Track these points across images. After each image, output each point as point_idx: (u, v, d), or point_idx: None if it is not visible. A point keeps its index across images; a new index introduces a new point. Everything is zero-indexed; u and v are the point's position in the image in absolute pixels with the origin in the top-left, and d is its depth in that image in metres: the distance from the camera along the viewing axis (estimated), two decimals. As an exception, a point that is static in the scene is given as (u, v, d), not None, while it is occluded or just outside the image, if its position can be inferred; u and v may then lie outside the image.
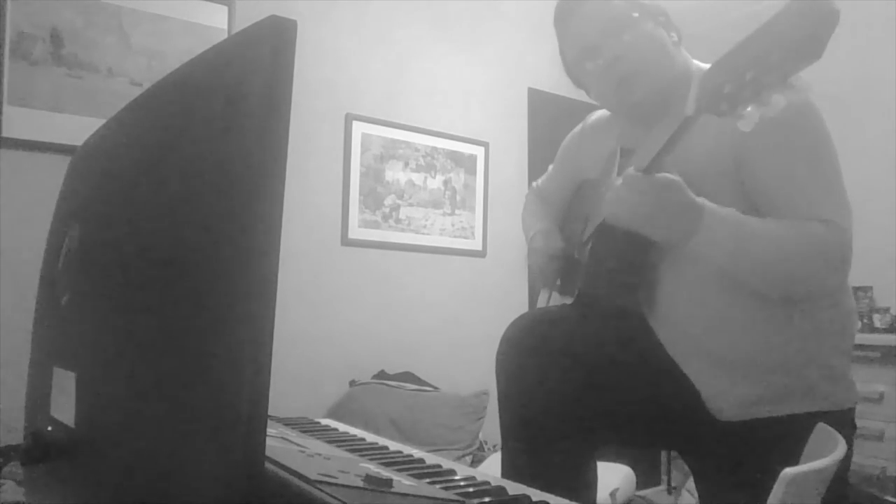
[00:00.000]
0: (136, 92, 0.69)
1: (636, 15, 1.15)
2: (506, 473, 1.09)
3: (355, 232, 3.00)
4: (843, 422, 1.00)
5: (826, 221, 1.01)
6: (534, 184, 1.64)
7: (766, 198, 1.06)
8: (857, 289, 2.99)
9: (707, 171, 1.09)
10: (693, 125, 0.87)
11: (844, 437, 0.86)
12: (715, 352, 1.11)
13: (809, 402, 1.08)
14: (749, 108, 0.74)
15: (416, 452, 0.82)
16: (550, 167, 1.60)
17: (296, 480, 0.59)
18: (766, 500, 0.68)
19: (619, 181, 0.99)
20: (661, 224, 0.98)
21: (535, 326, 1.17)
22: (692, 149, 1.11)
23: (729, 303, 1.10)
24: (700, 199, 0.98)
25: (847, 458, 1.05)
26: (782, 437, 1.05)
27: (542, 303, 1.51)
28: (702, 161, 1.09)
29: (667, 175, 0.96)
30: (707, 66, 1.18)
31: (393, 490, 0.60)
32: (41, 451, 0.65)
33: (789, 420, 1.07)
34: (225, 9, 2.67)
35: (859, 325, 2.97)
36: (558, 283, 1.39)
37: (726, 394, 1.11)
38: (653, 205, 0.96)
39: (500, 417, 1.17)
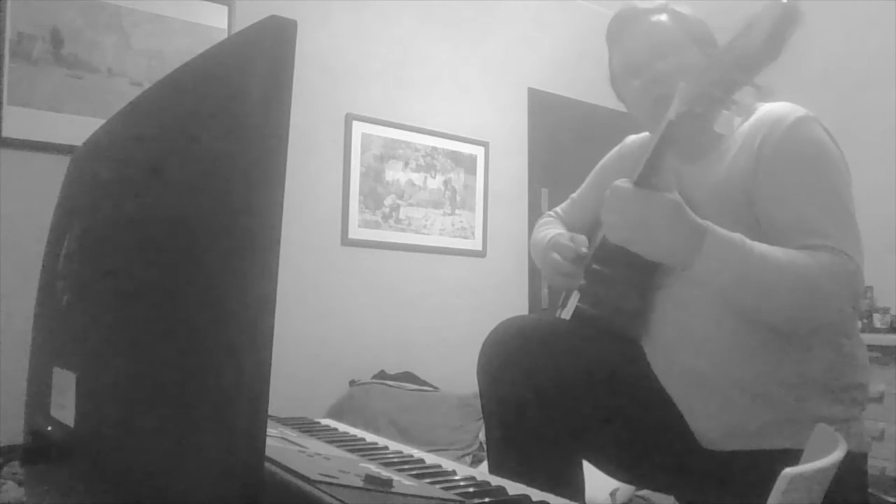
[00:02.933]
0: (136, 92, 0.69)
1: (681, 40, 1.18)
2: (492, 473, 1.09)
3: (355, 232, 3.01)
4: (848, 467, 0.98)
5: (837, 252, 0.99)
6: (550, 212, 1.62)
7: (776, 228, 1.05)
8: (857, 289, 2.99)
9: (717, 202, 1.09)
10: (677, 131, 0.89)
11: (852, 482, 0.83)
12: (703, 377, 1.10)
13: (793, 439, 1.04)
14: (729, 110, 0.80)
15: (416, 452, 0.82)
16: (573, 195, 1.57)
17: (296, 480, 0.59)
18: (765, 501, 0.68)
19: (612, 189, 1.00)
20: (659, 242, 0.97)
21: (520, 332, 1.17)
22: (702, 180, 1.12)
23: (712, 332, 1.09)
24: (704, 221, 0.97)
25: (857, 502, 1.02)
26: (764, 472, 1.02)
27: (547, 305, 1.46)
28: (711, 192, 1.11)
29: (662, 193, 0.95)
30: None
31: (393, 490, 0.60)
32: (41, 451, 0.66)
33: (778, 456, 1.04)
34: (225, 9, 2.67)
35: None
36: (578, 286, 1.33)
37: (712, 420, 1.10)
38: (645, 217, 0.95)
39: (485, 423, 1.17)
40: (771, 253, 0.99)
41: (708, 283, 1.00)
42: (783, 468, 0.94)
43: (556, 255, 1.28)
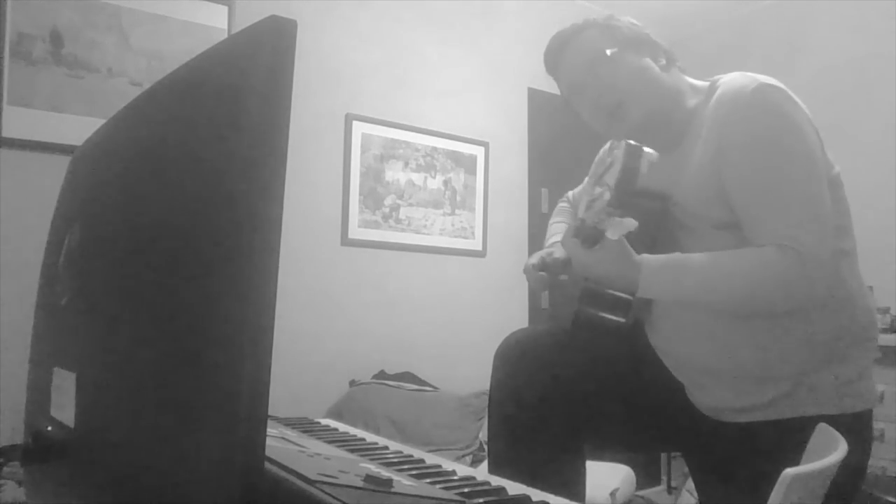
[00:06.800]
0: (136, 92, 0.69)
1: (615, 49, 1.21)
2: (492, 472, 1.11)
3: (355, 232, 3.00)
4: (851, 426, 0.99)
5: (784, 244, 1.02)
6: (565, 198, 1.66)
7: (741, 218, 1.08)
8: (857, 289, 2.99)
9: (696, 194, 1.12)
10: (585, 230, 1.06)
11: (853, 441, 0.85)
12: (706, 365, 1.14)
13: (806, 407, 1.08)
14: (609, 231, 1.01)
15: (416, 452, 0.82)
16: (586, 179, 1.61)
17: (296, 480, 0.59)
18: (765, 501, 0.68)
19: (565, 241, 1.16)
20: (607, 282, 1.13)
21: (528, 337, 1.22)
22: (679, 172, 1.15)
23: (716, 319, 1.13)
24: (639, 257, 1.09)
25: (858, 462, 1.04)
26: (780, 439, 1.05)
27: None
28: (690, 185, 1.13)
29: (602, 247, 1.08)
30: (698, 82, 1.23)
31: (393, 490, 0.60)
32: (41, 451, 0.65)
33: (787, 423, 1.08)
34: (225, 9, 2.67)
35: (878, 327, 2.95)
36: (545, 295, 1.43)
37: (719, 401, 1.14)
38: (594, 269, 1.11)
39: (489, 420, 1.19)
40: (704, 266, 1.07)
41: (657, 298, 1.15)
42: (793, 434, 0.96)
43: (531, 266, 1.37)
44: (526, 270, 1.35)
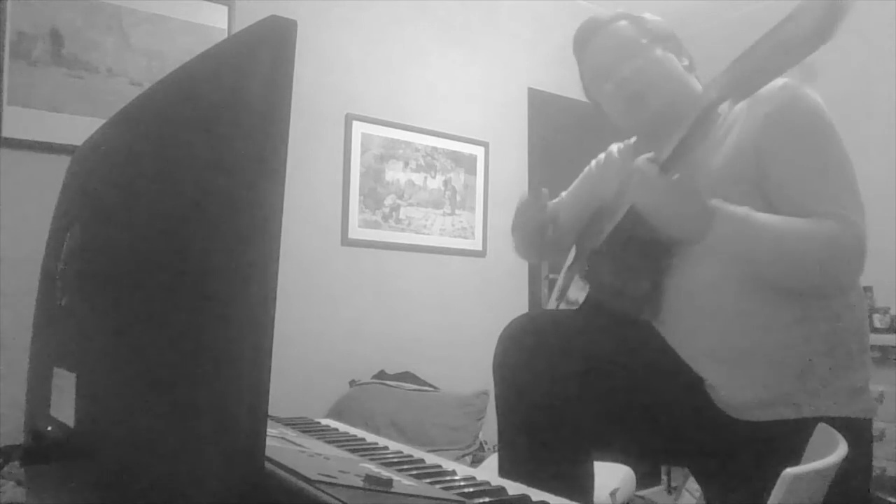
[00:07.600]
0: (136, 92, 0.69)
1: (644, 41, 1.25)
2: (502, 472, 1.09)
3: (355, 232, 3.00)
4: (855, 431, 0.99)
5: (842, 218, 1.04)
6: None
7: (786, 199, 1.09)
8: (857, 289, 2.99)
9: (726, 178, 1.12)
10: (713, 113, 0.95)
11: (864, 446, 0.86)
12: (727, 353, 1.12)
13: (819, 407, 1.08)
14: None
15: (416, 452, 0.82)
16: (563, 194, 1.61)
17: (296, 480, 0.58)
18: (766, 501, 0.68)
19: (637, 169, 1.07)
20: (675, 224, 1.07)
21: (535, 325, 1.18)
22: (710, 157, 1.14)
23: (738, 306, 1.11)
24: (713, 203, 1.04)
25: (863, 468, 1.04)
26: (798, 440, 1.04)
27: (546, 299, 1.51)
28: (720, 169, 1.13)
29: (681, 178, 1.02)
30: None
31: (393, 490, 0.60)
32: (41, 451, 0.66)
33: (799, 424, 1.07)
34: (225, 9, 2.67)
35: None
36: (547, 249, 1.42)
37: (740, 393, 1.11)
38: (661, 202, 1.05)
39: (498, 415, 1.17)
40: (774, 224, 1.05)
41: (717, 255, 1.09)
42: (809, 434, 0.96)
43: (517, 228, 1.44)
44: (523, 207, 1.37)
